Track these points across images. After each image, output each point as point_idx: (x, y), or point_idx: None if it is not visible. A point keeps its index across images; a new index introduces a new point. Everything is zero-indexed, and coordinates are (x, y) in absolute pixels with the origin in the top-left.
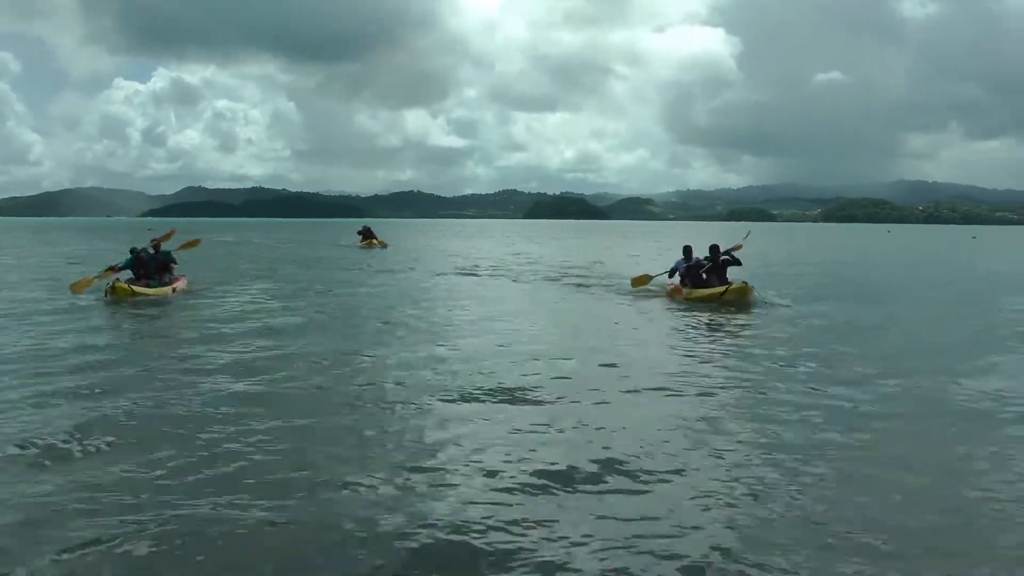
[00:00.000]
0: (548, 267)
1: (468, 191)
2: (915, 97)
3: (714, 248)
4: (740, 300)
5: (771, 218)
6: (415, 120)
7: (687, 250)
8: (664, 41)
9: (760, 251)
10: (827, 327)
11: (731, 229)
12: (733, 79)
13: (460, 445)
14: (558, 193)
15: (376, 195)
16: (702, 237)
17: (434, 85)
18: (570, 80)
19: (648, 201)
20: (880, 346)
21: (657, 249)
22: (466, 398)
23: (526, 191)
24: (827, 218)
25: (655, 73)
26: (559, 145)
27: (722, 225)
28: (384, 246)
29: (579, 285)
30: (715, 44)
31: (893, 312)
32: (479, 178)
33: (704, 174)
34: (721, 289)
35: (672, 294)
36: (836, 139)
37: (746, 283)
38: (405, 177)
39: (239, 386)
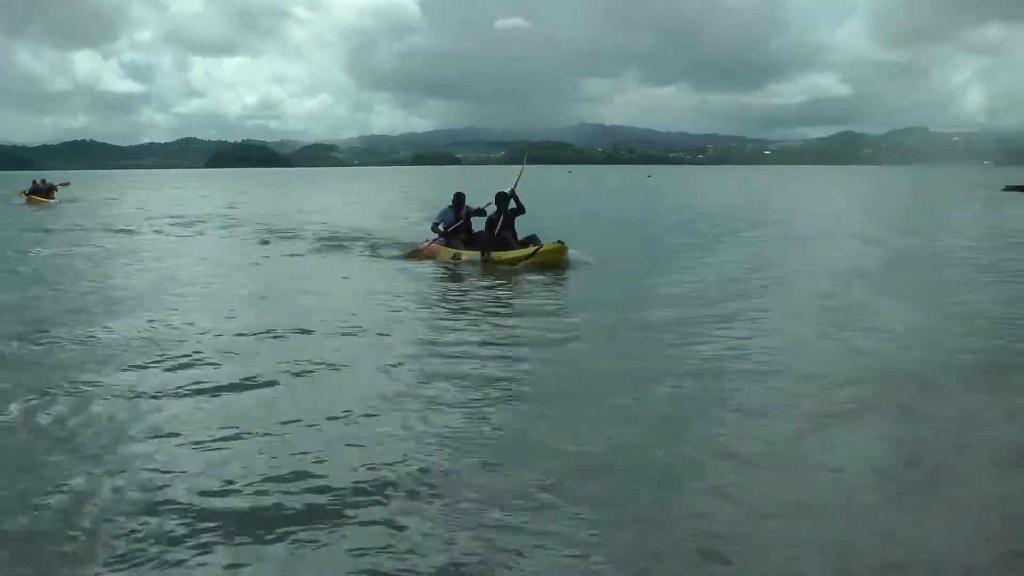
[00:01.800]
0: (269, 223)
1: (145, 140)
2: (594, 44)
3: (501, 197)
4: (555, 263)
5: (456, 161)
6: (85, 62)
7: (459, 198)
8: None
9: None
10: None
11: (415, 173)
12: (417, 24)
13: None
14: (239, 141)
15: (45, 145)
16: (391, 182)
17: (104, 24)
18: (249, 23)
19: (332, 147)
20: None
21: (363, 194)
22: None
23: (206, 139)
24: (511, 160)
25: (336, 17)
26: (239, 91)
27: (409, 169)
28: (52, 200)
29: (319, 242)
30: None
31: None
32: (157, 126)
33: (389, 119)
34: (530, 250)
35: (435, 253)
36: (519, 84)
37: (562, 242)
38: (77, 125)
39: None
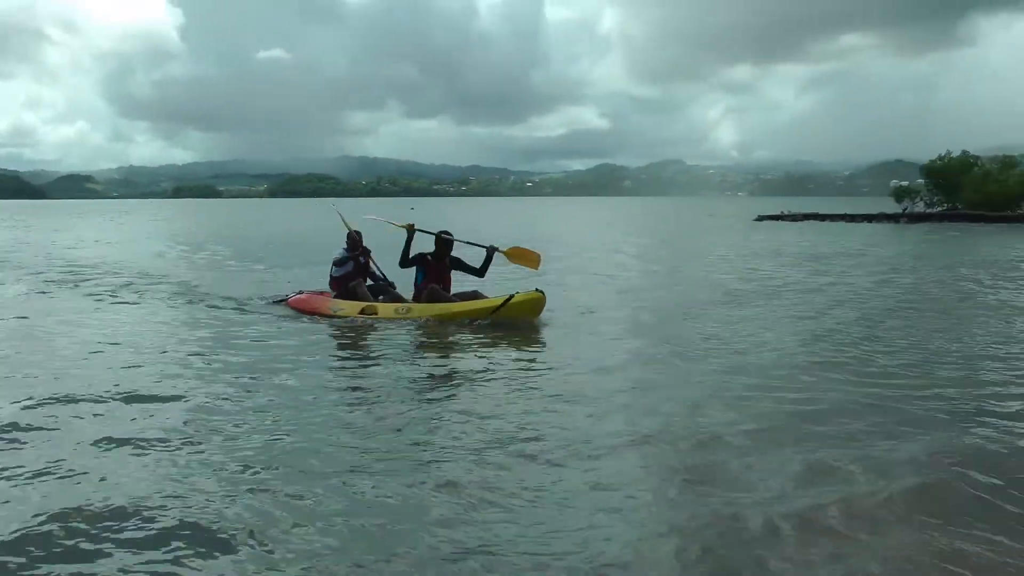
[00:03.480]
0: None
1: None
2: (356, 76)
3: (444, 242)
4: (531, 316)
5: (218, 194)
6: None
7: (354, 239)
8: (102, 7)
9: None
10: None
11: (178, 207)
12: (177, 52)
13: None
14: None
15: None
16: (163, 216)
17: None
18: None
19: (89, 178)
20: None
21: (144, 229)
22: None
23: None
24: (274, 193)
25: (93, 40)
26: None
27: (171, 202)
28: None
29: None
30: (156, 14)
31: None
32: None
33: (148, 149)
34: (497, 301)
35: (324, 306)
36: (281, 115)
37: (541, 291)
38: None
39: None
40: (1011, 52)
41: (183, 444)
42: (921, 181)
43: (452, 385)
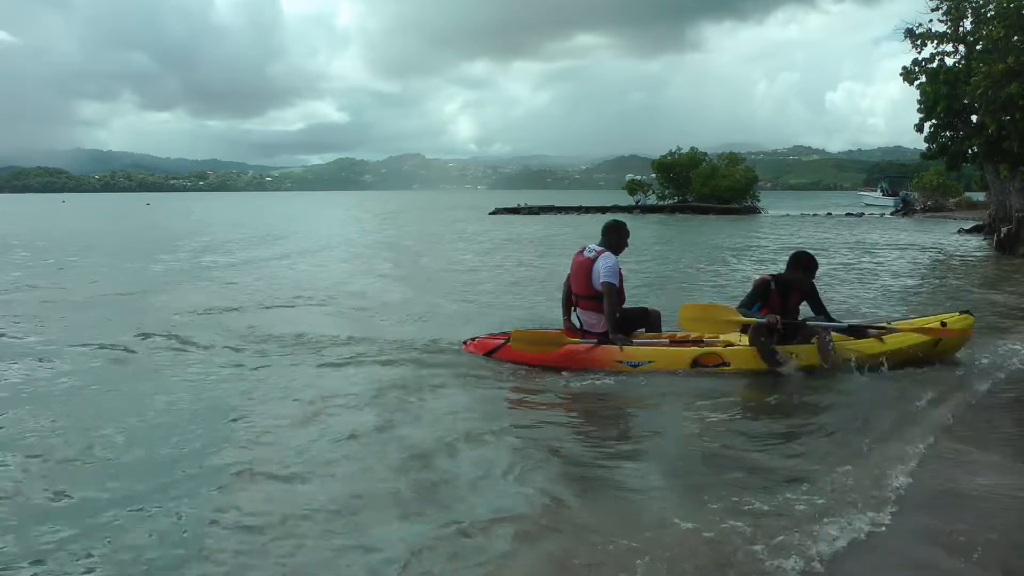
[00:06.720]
0: None
1: None
2: (88, 65)
3: (808, 261)
4: (956, 348)
5: None
6: None
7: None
8: None
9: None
10: None
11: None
12: None
13: None
14: None
15: None
16: None
17: None
18: None
19: None
20: None
21: None
22: None
23: None
24: (1, 189)
25: None
26: None
27: None
28: None
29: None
30: None
31: None
32: None
33: None
34: (928, 324)
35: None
36: (9, 104)
37: (970, 312)
38: None
39: None
40: (734, 58)
41: None
42: (653, 175)
43: None
